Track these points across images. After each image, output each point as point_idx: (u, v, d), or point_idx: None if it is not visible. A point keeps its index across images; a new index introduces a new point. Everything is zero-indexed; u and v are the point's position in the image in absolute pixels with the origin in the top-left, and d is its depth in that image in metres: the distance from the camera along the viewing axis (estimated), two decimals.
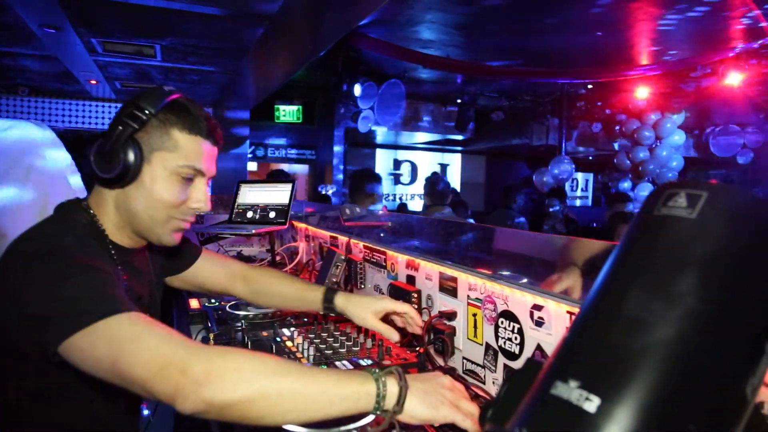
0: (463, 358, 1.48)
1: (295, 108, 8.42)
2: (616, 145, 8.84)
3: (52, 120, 6.89)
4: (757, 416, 0.52)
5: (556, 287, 1.17)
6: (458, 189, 9.47)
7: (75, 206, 1.13)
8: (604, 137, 8.91)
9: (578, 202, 12.23)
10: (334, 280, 2.11)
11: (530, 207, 6.18)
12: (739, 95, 6.41)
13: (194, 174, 1.12)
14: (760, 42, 4.77)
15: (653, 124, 7.32)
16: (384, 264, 2.01)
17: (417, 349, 1.43)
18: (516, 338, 1.28)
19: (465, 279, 1.49)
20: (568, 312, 1.13)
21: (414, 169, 11.44)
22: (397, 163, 11.43)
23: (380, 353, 1.47)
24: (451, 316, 1.52)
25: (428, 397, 0.91)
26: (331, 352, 1.51)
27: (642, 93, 7.12)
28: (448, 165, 11.97)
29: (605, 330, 0.50)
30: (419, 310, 1.67)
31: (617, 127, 8.24)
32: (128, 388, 0.83)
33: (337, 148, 9.01)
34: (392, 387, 0.89)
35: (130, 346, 0.83)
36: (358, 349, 1.54)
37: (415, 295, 1.68)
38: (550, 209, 5.27)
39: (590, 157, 11.02)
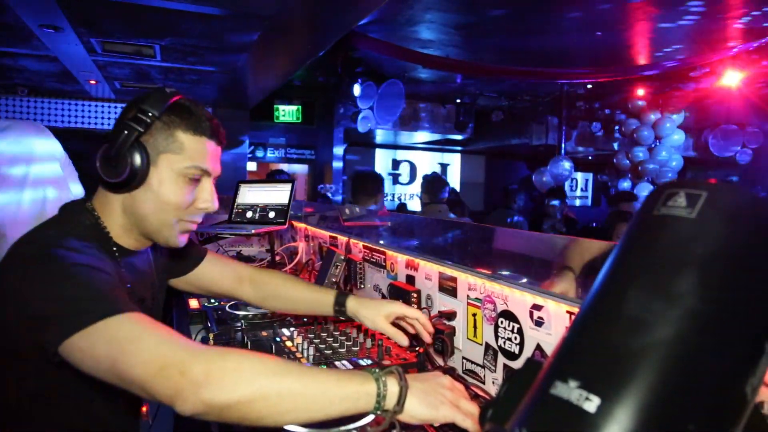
0: (463, 358, 1.48)
1: (294, 108, 8.42)
2: (615, 145, 8.85)
3: (51, 120, 6.88)
4: (757, 416, 0.52)
5: (556, 287, 1.17)
6: (458, 189, 9.46)
7: (79, 207, 1.13)
8: (603, 137, 8.91)
9: (578, 202, 12.24)
10: (334, 280, 2.10)
11: (530, 207, 6.19)
12: (738, 95, 6.42)
13: (201, 174, 1.12)
14: (758, 42, 4.78)
15: (653, 124, 7.33)
16: (383, 264, 2.01)
17: (417, 349, 1.43)
18: (516, 338, 1.28)
19: (464, 279, 1.49)
20: (567, 312, 1.13)
21: (413, 169, 11.45)
22: (395, 163, 11.43)
23: (380, 353, 1.47)
24: (451, 316, 1.52)
25: (428, 397, 0.91)
26: (330, 352, 1.51)
27: (641, 93, 7.13)
28: (448, 165, 11.97)
29: (605, 330, 0.50)
30: (419, 310, 1.67)
31: (617, 127, 8.25)
32: (128, 389, 0.83)
33: (337, 148, 9.02)
34: (392, 387, 0.89)
35: (129, 346, 0.83)
36: (357, 349, 1.54)
37: (415, 295, 1.68)
38: (550, 209, 5.27)
39: (590, 157, 11.02)
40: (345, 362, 1.43)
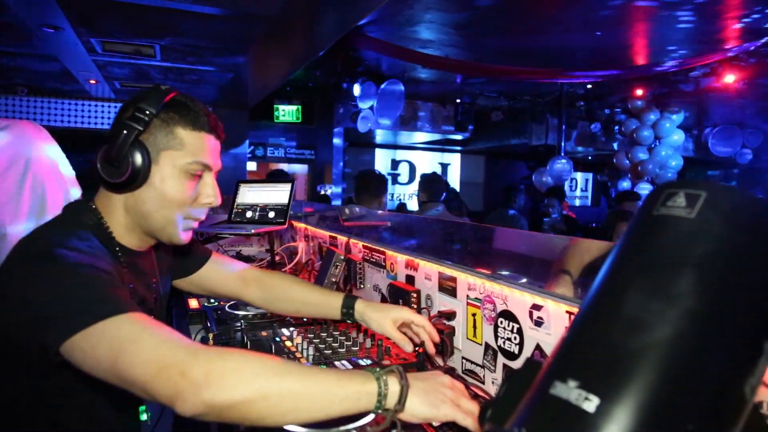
0: (463, 357, 1.48)
1: (294, 108, 8.42)
2: (615, 145, 8.86)
3: (50, 120, 6.88)
4: (756, 416, 0.52)
5: (555, 287, 1.17)
6: (458, 189, 9.46)
7: (82, 207, 1.13)
8: (603, 137, 8.92)
9: (578, 202, 12.25)
10: (333, 280, 2.11)
11: (530, 206, 6.20)
12: (737, 95, 6.42)
13: (202, 169, 1.12)
14: (758, 42, 4.78)
15: (652, 124, 7.34)
16: (383, 264, 2.01)
17: (416, 349, 1.43)
18: (515, 338, 1.28)
19: (464, 279, 1.49)
20: (567, 312, 1.13)
21: (412, 169, 11.45)
22: (395, 163, 11.43)
23: (379, 353, 1.47)
24: (451, 316, 1.52)
25: (429, 396, 0.91)
26: (330, 352, 1.51)
27: (641, 93, 7.13)
28: (448, 165, 11.98)
29: (604, 330, 0.50)
30: (418, 310, 1.67)
31: (616, 127, 8.25)
32: (128, 390, 0.83)
33: (337, 148, 9.02)
34: (393, 386, 0.89)
35: (130, 346, 0.83)
36: (357, 348, 1.54)
37: (415, 295, 1.68)
38: (550, 209, 5.28)
39: (589, 157, 11.03)
40: (345, 362, 1.43)
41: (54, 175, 1.91)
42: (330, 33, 3.17)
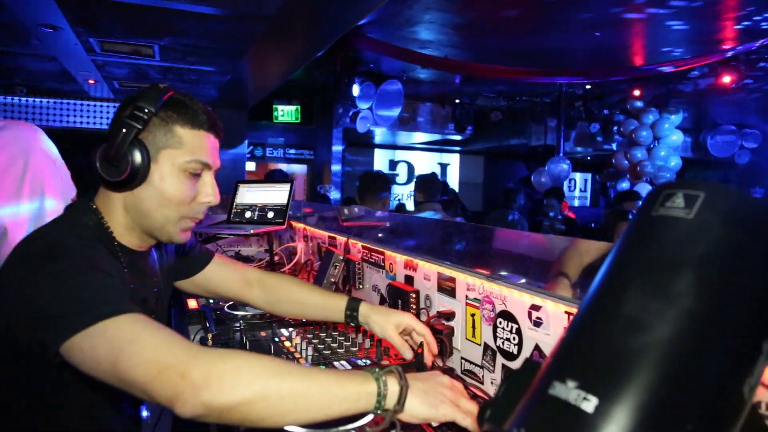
0: (462, 358, 1.48)
1: (293, 108, 8.43)
2: (614, 146, 8.87)
3: (49, 120, 6.87)
4: (755, 416, 0.52)
5: (554, 287, 1.17)
6: (457, 189, 9.47)
7: (83, 207, 1.12)
8: (602, 137, 8.93)
9: (577, 202, 12.26)
10: (333, 280, 2.10)
11: (529, 207, 6.20)
12: (736, 96, 6.42)
13: (202, 168, 1.12)
14: (758, 43, 4.79)
15: (651, 124, 7.34)
16: (382, 264, 2.01)
17: (416, 349, 1.43)
18: (514, 338, 1.28)
19: (463, 279, 1.49)
20: (566, 312, 1.13)
21: (411, 169, 11.45)
22: (393, 164, 11.43)
23: (378, 353, 1.47)
24: (450, 316, 1.52)
25: (428, 396, 0.91)
26: (329, 352, 1.51)
27: (638, 93, 7.14)
28: (447, 165, 11.99)
29: (603, 330, 0.50)
30: (417, 310, 1.67)
31: (615, 128, 8.26)
32: (128, 391, 0.83)
33: (336, 148, 9.02)
34: (393, 386, 0.89)
35: (130, 347, 0.83)
36: (356, 349, 1.54)
37: (414, 296, 1.68)
38: (549, 209, 5.28)
39: (588, 158, 11.04)
40: (344, 362, 1.43)
41: (53, 176, 1.91)
42: (329, 33, 3.17)
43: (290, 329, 1.73)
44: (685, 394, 0.45)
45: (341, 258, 2.12)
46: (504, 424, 0.55)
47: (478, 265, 1.45)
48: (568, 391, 0.47)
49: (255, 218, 2.48)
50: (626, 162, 7.59)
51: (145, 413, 1.22)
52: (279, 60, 4.41)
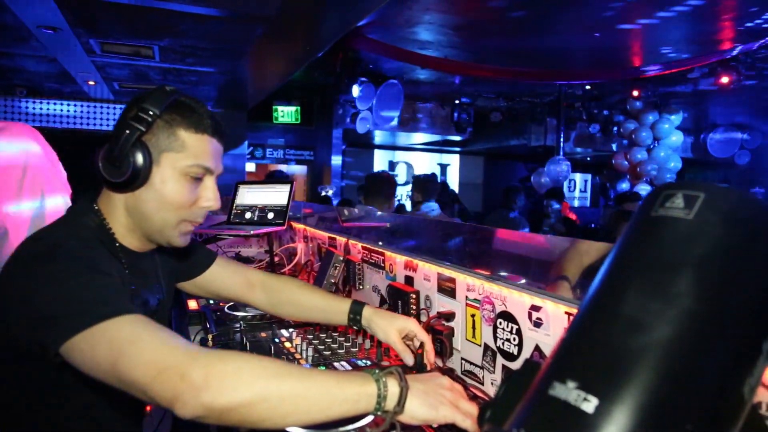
0: (462, 358, 1.48)
1: (293, 109, 8.43)
2: (614, 146, 8.87)
3: (49, 121, 6.87)
4: (755, 416, 0.52)
5: (554, 288, 1.17)
6: (457, 190, 9.47)
7: (85, 208, 1.12)
8: (602, 138, 8.93)
9: (577, 203, 12.26)
10: (333, 281, 2.11)
11: (529, 207, 6.20)
12: (736, 96, 6.42)
13: (203, 173, 1.11)
14: (758, 43, 4.79)
15: (651, 124, 7.35)
16: (382, 265, 2.01)
17: (416, 350, 1.43)
18: (514, 339, 1.28)
19: (463, 280, 1.49)
20: (566, 313, 1.13)
21: (410, 170, 11.44)
22: (392, 165, 11.43)
23: (378, 354, 1.47)
24: (450, 316, 1.52)
25: (428, 398, 0.91)
26: (329, 353, 1.51)
27: (636, 94, 7.14)
28: (447, 165, 11.99)
29: (603, 330, 0.50)
30: (417, 311, 1.67)
31: (615, 128, 8.26)
32: (128, 392, 0.83)
33: (336, 149, 9.02)
34: (393, 387, 0.89)
35: (130, 348, 0.83)
36: (356, 350, 1.54)
37: (414, 296, 1.68)
38: (549, 210, 5.28)
39: (588, 158, 11.05)
40: (344, 363, 1.43)
41: (53, 178, 1.91)
42: (329, 34, 3.18)
43: (290, 330, 1.73)
44: (685, 394, 0.45)
45: (341, 259, 2.12)
46: (504, 424, 0.55)
47: (478, 265, 1.45)
48: (568, 391, 0.47)
49: (255, 219, 2.48)
50: (626, 162, 7.60)
51: (147, 414, 1.22)
52: (279, 61, 4.42)
